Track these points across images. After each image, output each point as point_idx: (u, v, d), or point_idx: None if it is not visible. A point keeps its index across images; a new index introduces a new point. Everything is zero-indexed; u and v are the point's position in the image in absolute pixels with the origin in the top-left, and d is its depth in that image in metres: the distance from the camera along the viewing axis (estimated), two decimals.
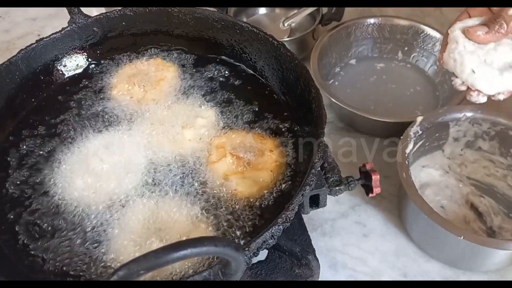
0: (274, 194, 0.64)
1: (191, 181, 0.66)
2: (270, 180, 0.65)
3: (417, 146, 0.80)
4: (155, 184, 0.66)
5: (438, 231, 0.68)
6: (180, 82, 0.80)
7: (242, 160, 0.67)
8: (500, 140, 0.81)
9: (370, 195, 0.66)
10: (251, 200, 0.64)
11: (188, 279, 0.50)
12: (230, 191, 0.65)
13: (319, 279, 0.70)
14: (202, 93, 0.78)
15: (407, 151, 0.76)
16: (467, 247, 0.68)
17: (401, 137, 0.77)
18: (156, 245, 0.59)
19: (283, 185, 0.65)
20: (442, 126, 0.81)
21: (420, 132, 0.78)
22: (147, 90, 0.78)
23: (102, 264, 0.59)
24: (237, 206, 0.63)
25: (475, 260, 0.72)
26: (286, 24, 1.07)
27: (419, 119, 0.79)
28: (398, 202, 0.82)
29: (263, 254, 0.68)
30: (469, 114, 0.80)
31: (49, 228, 0.62)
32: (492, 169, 0.82)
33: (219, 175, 0.66)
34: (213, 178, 0.66)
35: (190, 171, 0.67)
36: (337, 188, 0.64)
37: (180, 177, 0.67)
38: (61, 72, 0.82)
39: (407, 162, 0.74)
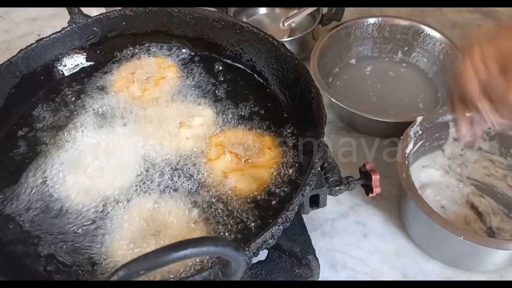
0: (274, 194, 0.64)
1: (190, 179, 0.66)
2: (269, 177, 0.65)
3: (417, 146, 0.79)
4: (152, 182, 0.66)
5: (438, 231, 0.68)
6: (180, 81, 0.80)
7: (241, 158, 0.67)
8: (500, 140, 0.81)
9: (370, 195, 0.66)
10: (251, 197, 0.64)
11: (188, 279, 0.50)
12: (229, 188, 0.64)
13: (319, 279, 0.70)
14: (201, 92, 0.78)
15: (407, 151, 0.75)
16: (467, 247, 0.68)
17: (401, 137, 0.77)
18: (153, 245, 0.59)
19: (283, 185, 0.65)
20: (442, 126, 0.81)
21: (420, 132, 0.78)
22: (147, 88, 0.78)
23: (97, 264, 0.59)
24: (236, 205, 0.63)
25: (475, 260, 0.72)
26: (286, 24, 1.07)
27: (419, 119, 0.79)
28: (398, 202, 0.82)
29: (263, 254, 0.68)
30: (469, 114, 0.80)
31: (42, 228, 0.62)
32: (492, 169, 0.82)
33: (218, 173, 0.66)
34: (212, 176, 0.66)
35: (189, 169, 0.67)
36: (337, 188, 0.64)
37: (178, 175, 0.67)
38: (61, 72, 0.82)
39: (407, 162, 0.74)
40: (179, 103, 0.76)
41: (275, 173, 0.66)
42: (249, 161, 0.67)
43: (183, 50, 0.85)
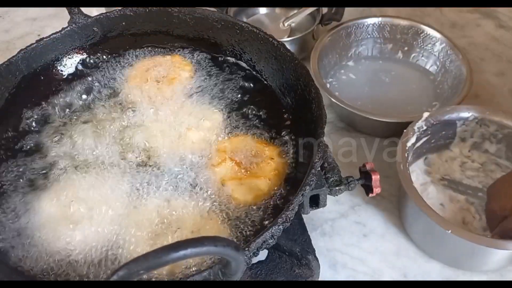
0: (269, 207, 0.63)
1: (191, 184, 0.65)
2: (267, 189, 0.64)
3: (420, 142, 0.79)
4: (151, 185, 0.65)
5: (438, 231, 0.68)
6: (192, 81, 0.79)
7: (241, 166, 0.66)
8: (507, 143, 0.80)
9: (370, 195, 0.66)
10: (246, 206, 0.63)
11: (188, 279, 0.50)
12: (225, 196, 0.64)
13: (319, 279, 0.70)
14: (209, 94, 0.77)
15: (408, 144, 0.75)
16: (467, 247, 0.68)
17: (401, 136, 0.77)
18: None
19: (283, 186, 0.65)
20: (448, 124, 0.80)
21: (425, 128, 0.78)
22: (159, 87, 0.77)
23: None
24: (233, 210, 0.63)
25: (475, 260, 0.72)
26: (286, 24, 1.07)
27: (425, 115, 0.78)
28: (398, 202, 0.82)
29: (263, 254, 0.68)
30: (476, 114, 0.79)
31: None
32: (498, 173, 0.81)
33: (217, 180, 0.65)
34: (211, 182, 0.65)
35: (191, 174, 0.66)
36: (337, 188, 0.64)
37: (180, 179, 0.66)
38: (61, 72, 0.82)
39: (407, 162, 0.74)
40: (188, 105, 0.75)
41: (273, 183, 0.65)
42: (249, 170, 0.66)
43: (196, 52, 0.84)
